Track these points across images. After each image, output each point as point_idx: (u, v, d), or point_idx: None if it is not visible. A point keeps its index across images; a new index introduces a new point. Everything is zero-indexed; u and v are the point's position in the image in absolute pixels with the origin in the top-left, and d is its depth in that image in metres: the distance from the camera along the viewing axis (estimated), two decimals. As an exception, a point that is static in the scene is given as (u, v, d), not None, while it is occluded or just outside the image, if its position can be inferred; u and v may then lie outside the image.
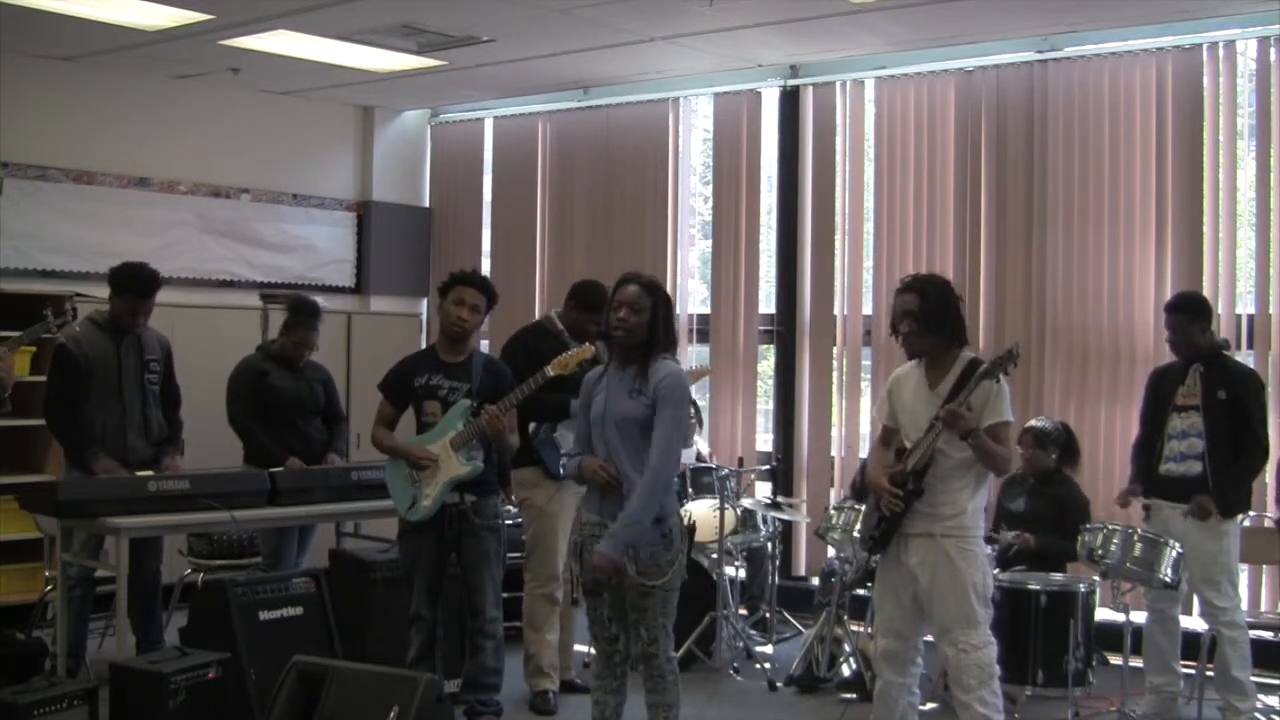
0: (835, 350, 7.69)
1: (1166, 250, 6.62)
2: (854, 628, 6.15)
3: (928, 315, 4.46)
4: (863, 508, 5.87)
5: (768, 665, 6.25)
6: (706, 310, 8.25)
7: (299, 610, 5.28)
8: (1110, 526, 5.35)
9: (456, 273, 5.30)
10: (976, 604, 4.40)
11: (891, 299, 4.67)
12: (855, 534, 5.81)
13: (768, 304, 8.01)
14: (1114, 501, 5.62)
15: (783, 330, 7.89)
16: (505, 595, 5.41)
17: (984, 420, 4.37)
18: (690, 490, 6.59)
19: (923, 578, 4.44)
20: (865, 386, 7.59)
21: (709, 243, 8.32)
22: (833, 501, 7.20)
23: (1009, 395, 4.49)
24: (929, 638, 4.65)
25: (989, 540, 5.70)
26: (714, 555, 6.31)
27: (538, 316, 8.73)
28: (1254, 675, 5.38)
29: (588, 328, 5.60)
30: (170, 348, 6.01)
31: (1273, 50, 6.39)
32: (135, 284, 5.71)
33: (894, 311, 4.57)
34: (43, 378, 5.91)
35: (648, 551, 4.21)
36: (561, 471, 5.48)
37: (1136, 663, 5.52)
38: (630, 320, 4.29)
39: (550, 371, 5.02)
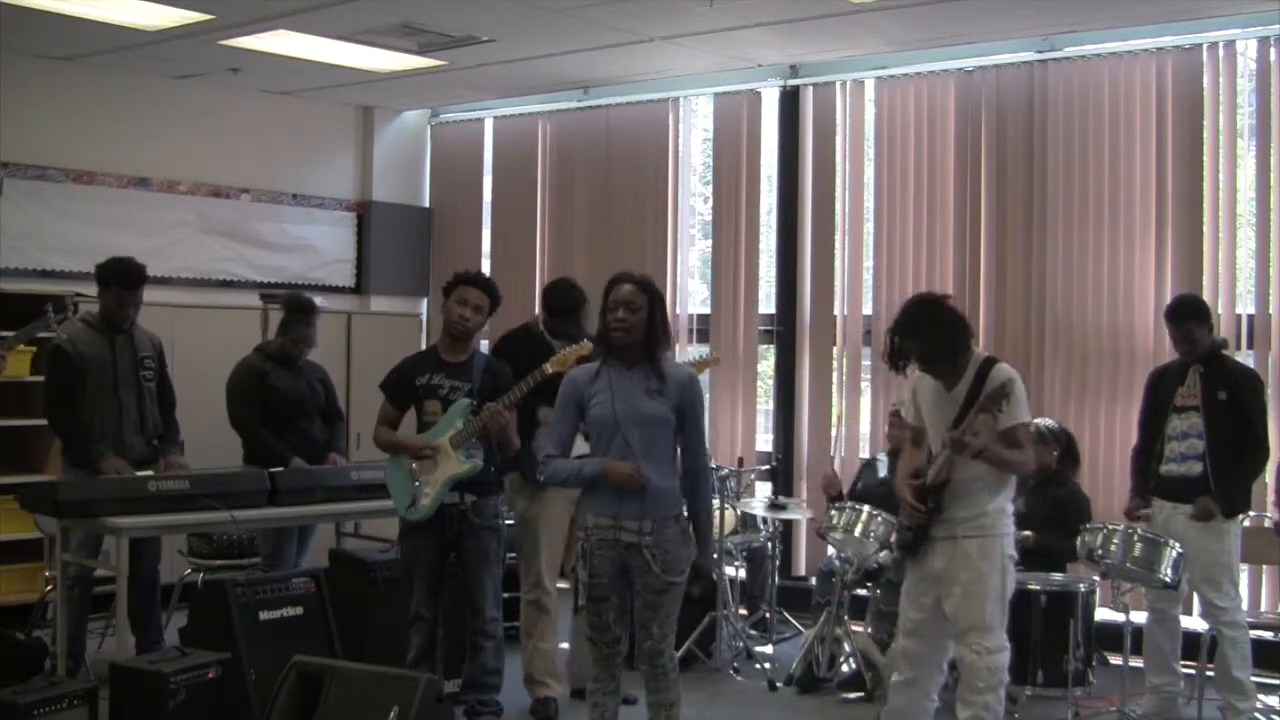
0: (835, 350, 7.69)
1: (1166, 250, 6.62)
2: (854, 628, 6.15)
3: (940, 353, 4.44)
4: (864, 508, 5.88)
5: (768, 665, 6.25)
6: (706, 310, 8.25)
7: (299, 610, 5.28)
8: (1110, 526, 5.34)
9: (461, 273, 5.31)
10: (994, 606, 4.38)
11: (889, 312, 4.63)
12: (856, 534, 5.81)
13: (768, 304, 8.01)
14: (1123, 514, 5.61)
15: (783, 330, 7.88)
16: (505, 595, 5.41)
17: (1000, 424, 4.34)
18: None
19: (946, 579, 4.43)
20: (865, 386, 7.60)
21: (709, 243, 8.32)
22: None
23: (1025, 396, 4.45)
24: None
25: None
26: (714, 555, 6.30)
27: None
28: (1254, 675, 5.38)
29: (566, 330, 5.54)
30: (163, 347, 6.00)
31: (1273, 50, 6.39)
32: (121, 276, 5.72)
33: (896, 349, 4.49)
34: (42, 378, 5.91)
35: (670, 547, 4.24)
36: (540, 478, 5.42)
37: (1136, 663, 5.52)
38: (628, 320, 4.28)
39: (548, 369, 4.99)
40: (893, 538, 5.37)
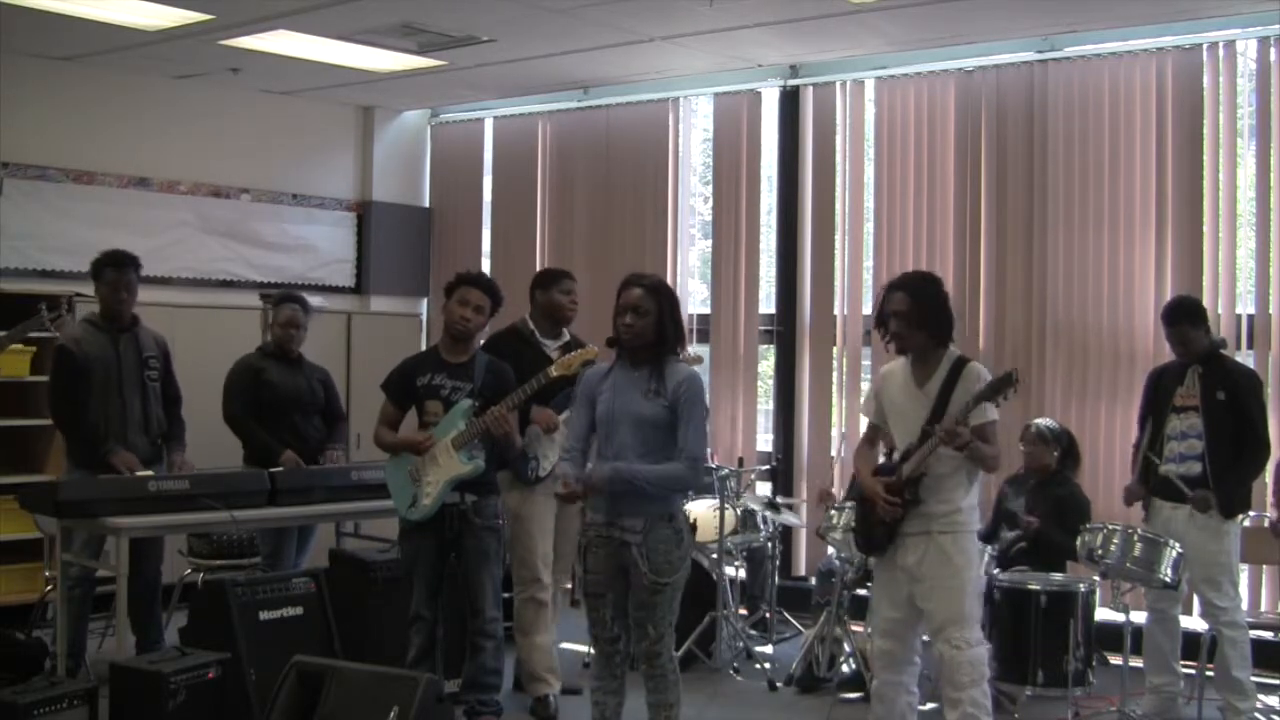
0: (835, 350, 7.69)
1: (1166, 250, 6.62)
2: (854, 628, 6.15)
3: (917, 314, 4.46)
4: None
5: (768, 665, 6.25)
6: (706, 310, 8.25)
7: (299, 610, 5.28)
8: (1110, 526, 5.34)
9: (462, 273, 5.34)
10: (971, 600, 4.42)
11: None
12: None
13: (768, 304, 8.01)
14: (1123, 498, 5.61)
15: (783, 330, 7.88)
16: (505, 595, 5.42)
17: (972, 420, 4.37)
18: (691, 490, 6.58)
19: (919, 575, 4.44)
20: (865, 386, 7.58)
21: (709, 243, 8.32)
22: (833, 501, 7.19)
23: None
24: (926, 638, 4.66)
25: (986, 538, 5.71)
26: (714, 555, 6.31)
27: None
28: (1254, 675, 5.38)
29: (556, 299, 5.65)
30: (168, 347, 6.02)
31: (1273, 50, 6.39)
32: (112, 260, 5.75)
33: (880, 309, 4.56)
34: (44, 378, 5.92)
35: (661, 548, 4.23)
36: (530, 475, 5.49)
37: (1136, 663, 5.52)
38: (636, 324, 4.31)
39: (554, 372, 5.04)
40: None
